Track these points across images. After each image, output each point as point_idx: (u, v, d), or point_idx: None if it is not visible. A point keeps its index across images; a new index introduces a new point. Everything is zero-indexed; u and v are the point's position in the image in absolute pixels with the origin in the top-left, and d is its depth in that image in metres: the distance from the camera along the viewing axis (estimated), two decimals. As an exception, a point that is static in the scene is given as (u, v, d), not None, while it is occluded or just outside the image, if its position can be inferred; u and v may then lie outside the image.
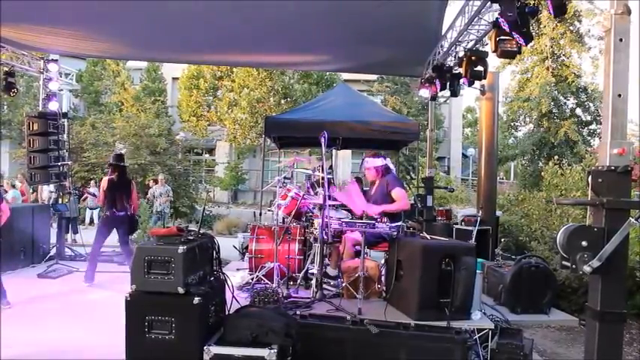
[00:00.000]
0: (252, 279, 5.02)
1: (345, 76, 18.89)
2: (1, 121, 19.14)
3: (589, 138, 19.06)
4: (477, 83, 6.96)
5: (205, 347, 3.02)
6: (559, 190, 9.02)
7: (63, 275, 6.69)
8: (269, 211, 5.84)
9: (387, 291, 4.26)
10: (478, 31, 6.06)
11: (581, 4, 17.43)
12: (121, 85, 21.83)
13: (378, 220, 4.33)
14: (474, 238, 6.30)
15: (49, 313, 5.01)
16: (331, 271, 5.00)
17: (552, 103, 18.32)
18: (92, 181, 14.20)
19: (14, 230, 6.48)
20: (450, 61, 6.82)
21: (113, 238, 6.55)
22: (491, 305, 4.85)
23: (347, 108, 8.97)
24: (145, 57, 13.49)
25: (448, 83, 6.82)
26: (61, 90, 9.73)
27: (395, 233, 4.23)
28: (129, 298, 3.10)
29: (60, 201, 8.10)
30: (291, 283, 4.91)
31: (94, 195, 11.41)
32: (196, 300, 3.05)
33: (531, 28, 4.80)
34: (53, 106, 8.24)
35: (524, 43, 4.73)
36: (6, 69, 8.01)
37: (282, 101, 19.39)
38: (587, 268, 2.93)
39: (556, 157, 11.58)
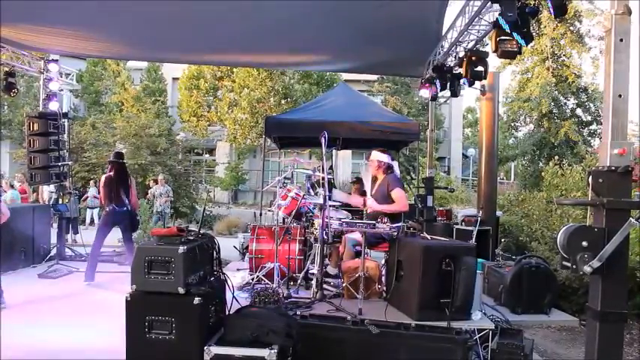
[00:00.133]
0: (253, 279, 5.03)
1: (346, 76, 18.88)
2: (2, 122, 19.15)
3: (589, 138, 19.05)
4: (478, 83, 6.97)
5: (206, 347, 3.03)
6: (559, 190, 9.02)
7: (63, 275, 6.67)
8: (269, 211, 5.84)
9: (388, 291, 4.27)
10: (478, 31, 6.07)
11: (582, 4, 17.41)
12: (121, 86, 21.83)
13: (379, 220, 4.33)
14: (474, 239, 6.30)
15: (50, 313, 5.00)
16: (332, 270, 5.00)
17: (553, 104, 18.31)
18: (92, 181, 14.22)
19: (14, 230, 6.48)
20: (451, 62, 6.82)
21: (113, 238, 6.55)
22: (491, 305, 4.85)
23: (347, 108, 8.96)
24: (145, 57, 13.49)
25: (448, 83, 6.82)
26: (62, 90, 9.72)
27: (395, 233, 4.23)
28: (129, 298, 3.10)
29: (60, 201, 8.10)
30: (292, 283, 4.91)
31: (95, 197, 11.42)
32: (197, 300, 3.05)
33: (532, 28, 4.80)
34: (53, 106, 8.24)
35: (524, 44, 4.73)
36: (6, 69, 8.01)
37: (283, 101, 19.39)
38: (587, 269, 2.93)
39: (556, 157, 11.53)
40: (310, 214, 5.37)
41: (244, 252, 6.80)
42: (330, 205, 4.47)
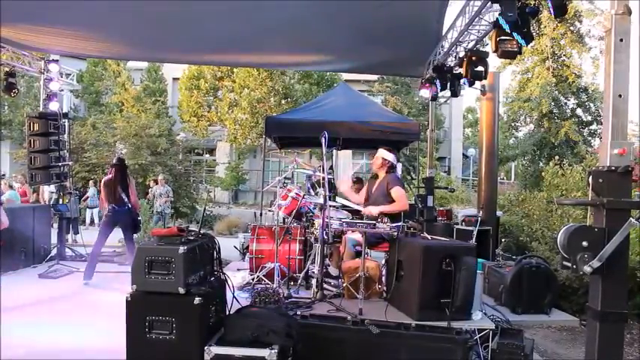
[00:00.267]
0: (253, 279, 5.02)
1: (346, 76, 18.88)
2: (2, 122, 19.16)
3: (590, 138, 19.03)
4: (478, 83, 6.96)
5: (206, 347, 3.03)
6: (560, 190, 9.01)
7: (64, 275, 6.68)
8: (269, 211, 5.84)
9: (388, 291, 4.26)
10: (479, 31, 6.07)
11: (582, 4, 17.40)
12: (121, 86, 21.82)
13: (379, 220, 4.33)
14: (474, 239, 6.30)
15: (50, 313, 5.00)
16: (333, 270, 5.00)
17: (553, 104, 18.30)
18: (92, 181, 14.23)
19: (15, 230, 6.47)
20: (451, 62, 6.82)
21: (114, 238, 6.55)
22: (491, 305, 4.85)
23: (347, 108, 8.96)
24: (146, 57, 13.48)
25: (449, 83, 6.82)
26: (62, 90, 9.71)
27: (395, 233, 4.23)
28: (129, 298, 3.10)
29: (61, 201, 8.10)
30: (292, 283, 4.90)
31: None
32: (197, 300, 3.05)
33: (532, 28, 4.80)
34: (54, 106, 8.25)
35: (524, 44, 4.74)
36: (7, 69, 8.02)
37: (283, 101, 19.39)
38: (587, 269, 2.93)
39: (557, 157, 11.51)
40: (310, 214, 5.37)
41: (244, 252, 6.80)
42: (330, 205, 4.47)
